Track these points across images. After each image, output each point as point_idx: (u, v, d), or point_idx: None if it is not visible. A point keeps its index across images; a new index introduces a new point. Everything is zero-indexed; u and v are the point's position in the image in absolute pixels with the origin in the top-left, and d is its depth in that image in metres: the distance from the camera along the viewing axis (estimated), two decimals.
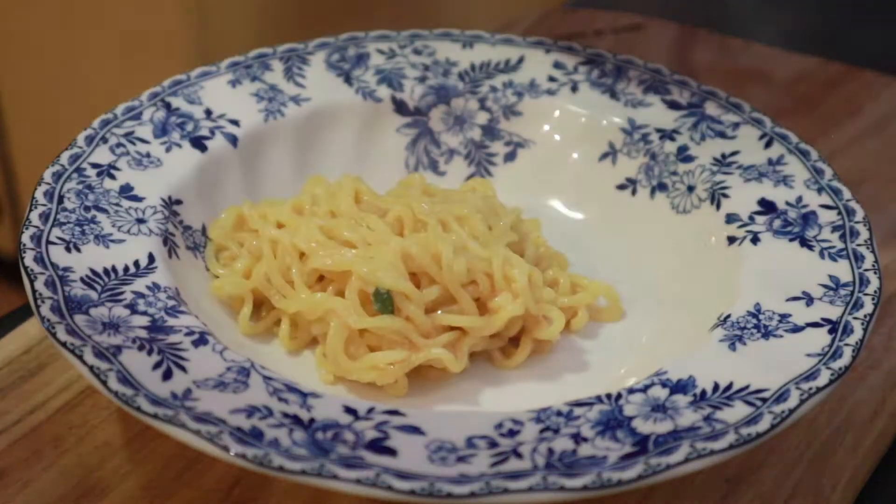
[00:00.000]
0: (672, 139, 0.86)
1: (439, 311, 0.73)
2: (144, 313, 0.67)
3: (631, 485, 0.58)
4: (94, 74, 1.68)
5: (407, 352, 0.71)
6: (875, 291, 0.70)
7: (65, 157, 0.77)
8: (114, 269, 0.70)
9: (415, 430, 0.61)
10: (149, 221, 0.75)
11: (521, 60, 0.92)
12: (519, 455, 0.59)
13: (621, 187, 0.87)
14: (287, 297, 0.74)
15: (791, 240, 0.75)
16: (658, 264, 0.82)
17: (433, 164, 0.90)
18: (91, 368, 0.62)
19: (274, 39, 0.94)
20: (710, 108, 0.87)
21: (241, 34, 1.63)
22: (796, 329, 0.68)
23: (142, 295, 0.69)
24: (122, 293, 0.68)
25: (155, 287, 0.70)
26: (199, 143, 0.82)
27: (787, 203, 0.78)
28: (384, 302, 0.71)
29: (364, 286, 0.71)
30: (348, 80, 0.90)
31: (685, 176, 0.84)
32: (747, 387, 0.63)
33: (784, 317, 0.69)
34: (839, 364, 0.64)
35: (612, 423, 0.62)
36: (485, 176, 0.90)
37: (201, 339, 0.66)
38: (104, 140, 0.79)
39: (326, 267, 0.73)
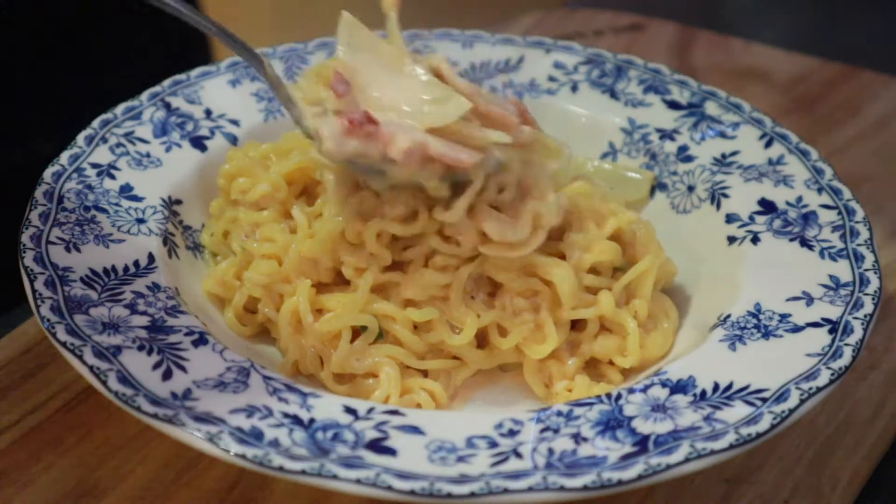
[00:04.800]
0: (672, 139, 0.86)
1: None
2: (144, 313, 0.67)
3: (631, 485, 0.58)
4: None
5: (396, 379, 0.71)
6: (875, 291, 0.70)
7: (65, 157, 0.77)
8: (114, 269, 0.70)
9: (415, 430, 0.61)
10: (149, 221, 0.75)
11: (521, 60, 0.92)
12: (519, 455, 0.59)
13: None
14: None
15: (791, 240, 0.75)
16: None
17: None
18: (91, 368, 0.62)
19: (274, 39, 0.94)
20: (710, 108, 0.87)
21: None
22: (796, 329, 0.68)
23: (142, 295, 0.69)
24: (121, 293, 0.68)
25: (155, 287, 0.70)
26: (199, 143, 0.82)
27: (788, 203, 0.78)
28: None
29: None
30: None
31: (685, 176, 0.84)
32: (747, 387, 0.63)
33: (784, 317, 0.69)
34: (839, 364, 0.64)
35: (612, 423, 0.62)
36: None
37: (201, 339, 0.66)
38: (104, 140, 0.79)
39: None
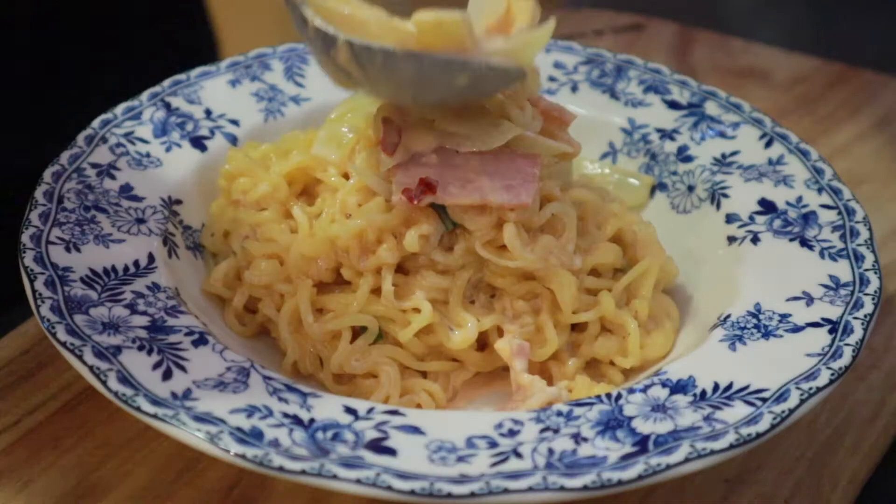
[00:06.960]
0: (672, 139, 0.86)
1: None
2: (144, 313, 0.67)
3: (631, 485, 0.58)
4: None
5: (396, 380, 0.71)
6: (875, 291, 0.70)
7: (65, 157, 0.77)
8: (114, 269, 0.70)
9: (415, 430, 0.61)
10: (149, 221, 0.75)
11: None
12: (519, 455, 0.59)
13: None
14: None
15: (791, 240, 0.75)
16: None
17: None
18: (91, 368, 0.62)
19: (274, 39, 0.94)
20: (710, 108, 0.87)
21: (243, 34, 1.63)
22: (796, 329, 0.68)
23: (142, 295, 0.69)
24: (121, 293, 0.68)
25: (155, 287, 0.70)
26: (199, 143, 0.82)
27: (788, 203, 0.78)
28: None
29: None
30: None
31: (685, 176, 0.84)
32: (747, 387, 0.63)
33: (784, 317, 0.69)
34: (839, 364, 0.64)
35: (612, 423, 0.62)
36: None
37: (201, 339, 0.66)
38: (104, 140, 0.79)
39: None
